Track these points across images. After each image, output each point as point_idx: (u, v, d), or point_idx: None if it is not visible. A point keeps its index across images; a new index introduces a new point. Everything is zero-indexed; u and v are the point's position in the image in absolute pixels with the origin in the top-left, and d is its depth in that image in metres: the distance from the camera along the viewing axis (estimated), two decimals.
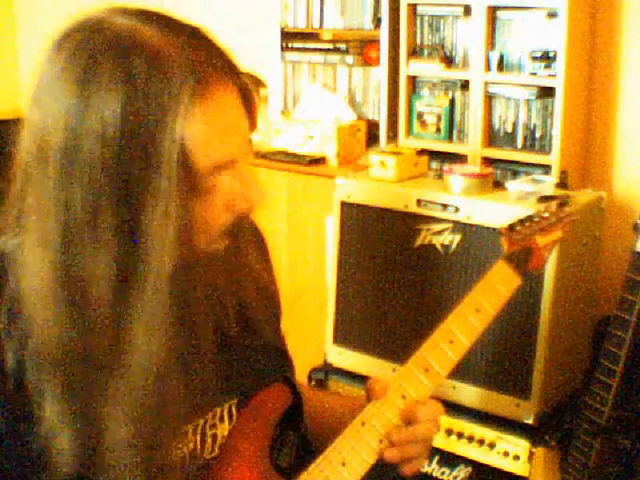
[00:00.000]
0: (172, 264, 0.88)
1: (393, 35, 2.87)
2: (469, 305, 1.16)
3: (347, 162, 3.00)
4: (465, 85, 2.71)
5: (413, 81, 2.84)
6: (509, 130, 2.65)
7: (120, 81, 0.85)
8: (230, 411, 1.06)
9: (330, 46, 3.21)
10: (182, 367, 0.93)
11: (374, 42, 3.01)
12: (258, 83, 3.09)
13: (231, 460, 1.04)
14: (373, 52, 3.06)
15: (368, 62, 3.12)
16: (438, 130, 2.79)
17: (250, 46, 3.35)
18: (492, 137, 2.69)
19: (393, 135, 2.91)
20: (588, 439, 1.93)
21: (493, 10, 2.60)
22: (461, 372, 2.19)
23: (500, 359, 2.18)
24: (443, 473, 2.27)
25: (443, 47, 2.75)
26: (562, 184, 2.37)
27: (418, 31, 2.80)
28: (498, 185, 2.33)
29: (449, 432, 2.24)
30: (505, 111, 2.65)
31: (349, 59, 3.15)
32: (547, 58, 2.49)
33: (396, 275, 2.35)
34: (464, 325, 1.14)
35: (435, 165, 2.72)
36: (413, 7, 2.78)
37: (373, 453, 1.07)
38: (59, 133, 0.86)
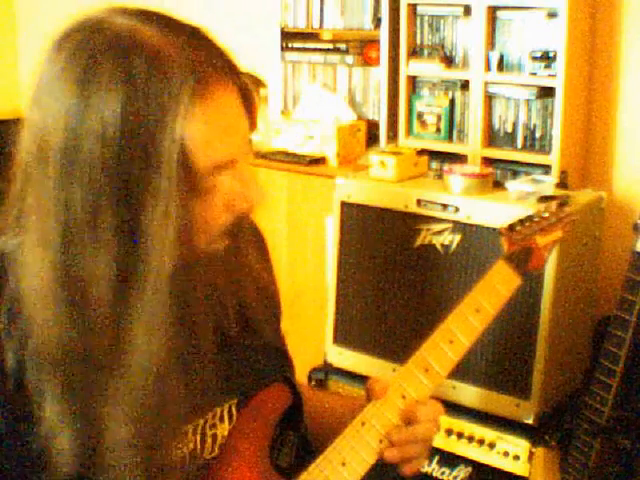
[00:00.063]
0: (172, 264, 0.88)
1: (393, 35, 2.87)
2: (469, 305, 1.16)
3: (347, 162, 3.00)
4: (465, 85, 2.71)
5: (413, 81, 2.84)
6: (509, 130, 2.65)
7: (120, 81, 0.85)
8: (230, 411, 1.06)
9: (330, 46, 3.21)
10: (182, 367, 0.93)
11: (374, 42, 3.01)
12: (258, 83, 3.09)
13: (231, 460, 1.04)
14: (373, 52, 3.06)
15: (368, 62, 3.12)
16: (438, 130, 2.79)
17: (250, 46, 3.35)
18: (492, 137, 2.69)
19: (393, 135, 2.91)
20: (588, 439, 1.93)
21: (493, 10, 2.60)
22: (461, 372, 2.19)
23: (500, 359, 2.18)
24: (443, 473, 2.27)
25: (443, 47, 2.75)
26: (562, 184, 2.37)
27: (418, 31, 2.80)
28: (498, 185, 2.33)
29: (449, 432, 2.24)
30: (505, 111, 2.65)
31: (349, 59, 3.15)
32: (547, 58, 2.49)
33: (396, 275, 2.35)
34: (464, 325, 1.14)
35: (435, 165, 2.72)
36: (413, 7, 2.78)
37: (373, 453, 1.07)
38: (59, 133, 0.86)
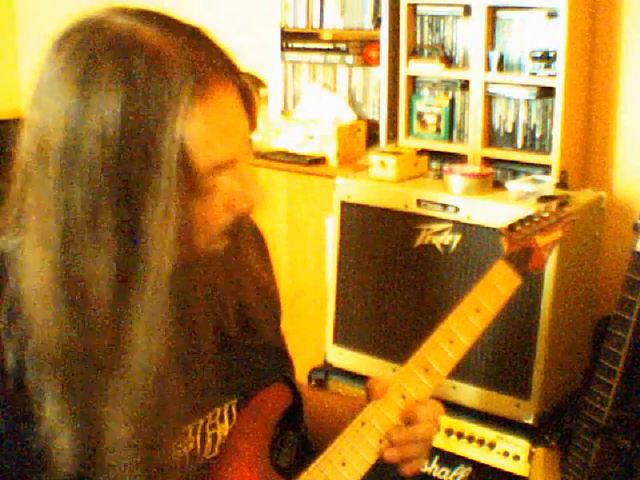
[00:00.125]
0: (172, 264, 0.88)
1: (393, 35, 2.87)
2: (469, 305, 1.16)
3: (347, 162, 3.00)
4: (465, 85, 2.71)
5: (413, 81, 2.84)
6: (509, 130, 2.65)
7: (120, 81, 0.85)
8: (230, 411, 1.06)
9: (330, 46, 3.21)
10: (182, 367, 0.93)
11: (374, 42, 3.01)
12: (258, 83, 3.08)
13: (231, 460, 1.04)
14: (373, 52, 3.06)
15: (368, 62, 3.12)
16: (438, 130, 2.79)
17: (250, 46, 3.35)
18: (492, 137, 2.69)
19: (393, 135, 2.91)
20: (588, 439, 1.93)
21: (493, 10, 2.60)
22: (461, 372, 2.19)
23: (500, 359, 2.18)
24: (443, 473, 2.27)
25: (443, 47, 2.75)
26: (562, 184, 2.37)
27: (418, 31, 2.80)
28: (498, 185, 2.33)
29: (449, 432, 2.24)
30: (505, 111, 2.65)
31: (349, 59, 3.15)
32: (547, 58, 2.49)
33: (396, 275, 2.35)
34: (464, 325, 1.14)
35: (435, 165, 2.72)
36: (413, 7, 2.78)
37: (373, 453, 1.07)
38: (59, 133, 0.86)
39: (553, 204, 1.36)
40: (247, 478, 1.03)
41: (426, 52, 2.77)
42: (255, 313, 1.10)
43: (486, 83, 2.63)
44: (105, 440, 0.90)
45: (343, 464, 1.05)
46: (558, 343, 2.17)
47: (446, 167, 2.38)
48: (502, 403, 2.18)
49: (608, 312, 1.99)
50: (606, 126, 2.63)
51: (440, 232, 2.26)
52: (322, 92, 3.21)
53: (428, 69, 2.76)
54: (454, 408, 2.19)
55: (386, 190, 2.37)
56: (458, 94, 2.75)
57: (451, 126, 2.78)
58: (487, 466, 2.20)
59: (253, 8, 3.45)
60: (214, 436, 1.04)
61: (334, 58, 3.19)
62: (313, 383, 2.51)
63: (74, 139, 0.85)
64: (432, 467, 2.28)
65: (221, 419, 1.05)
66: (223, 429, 1.05)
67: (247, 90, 0.95)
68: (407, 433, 1.08)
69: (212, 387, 1.00)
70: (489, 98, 2.66)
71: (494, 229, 2.11)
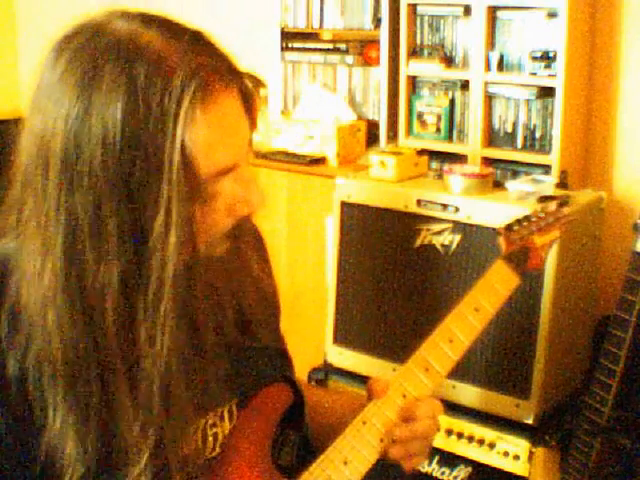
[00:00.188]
0: (175, 268, 0.88)
1: (393, 35, 2.87)
2: (468, 304, 1.16)
3: (347, 162, 3.00)
4: (465, 85, 2.71)
5: (413, 81, 2.84)
6: (509, 130, 2.65)
7: (121, 85, 0.84)
8: (231, 410, 1.06)
9: (330, 46, 3.21)
10: (185, 368, 0.93)
11: (374, 42, 3.01)
12: (258, 83, 3.08)
13: (232, 459, 1.04)
14: (373, 52, 3.06)
15: (368, 62, 3.12)
16: (438, 130, 2.79)
17: (250, 46, 3.36)
18: (492, 137, 2.69)
19: (393, 135, 2.91)
20: (588, 439, 1.93)
21: (493, 10, 2.60)
22: (461, 372, 2.19)
23: (500, 359, 2.18)
24: (443, 473, 2.27)
25: (443, 47, 2.75)
26: (562, 184, 2.37)
27: (418, 31, 2.81)
28: (498, 185, 2.33)
29: (449, 432, 2.24)
30: (505, 111, 2.65)
31: (349, 59, 3.15)
32: (547, 58, 2.49)
33: (396, 275, 2.35)
34: (463, 324, 1.15)
35: (435, 165, 2.72)
36: (413, 7, 2.78)
37: (374, 452, 1.07)
38: (59, 138, 0.86)
39: (552, 204, 1.37)
40: (248, 477, 1.03)
41: (426, 52, 2.77)
42: (254, 314, 1.10)
43: (486, 83, 2.63)
44: (112, 443, 0.90)
45: (345, 463, 1.06)
46: (558, 343, 2.17)
47: (446, 167, 2.38)
48: (502, 403, 2.18)
49: (608, 312, 1.99)
50: (606, 126, 2.63)
51: (440, 232, 2.26)
52: (322, 92, 3.21)
53: (428, 69, 2.77)
54: (454, 408, 2.19)
55: (386, 190, 2.37)
56: (458, 94, 2.75)
57: (451, 126, 2.78)
58: (487, 466, 2.20)
59: (253, 8, 3.45)
60: (215, 435, 1.04)
61: (334, 58, 3.19)
62: (313, 383, 2.51)
63: (75, 144, 0.85)
64: (432, 467, 2.28)
65: (222, 418, 1.05)
66: (224, 428, 1.05)
67: (248, 92, 0.95)
68: (407, 430, 1.08)
69: (213, 387, 1.00)
70: (489, 98, 2.66)
71: (494, 229, 2.10)
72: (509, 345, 2.16)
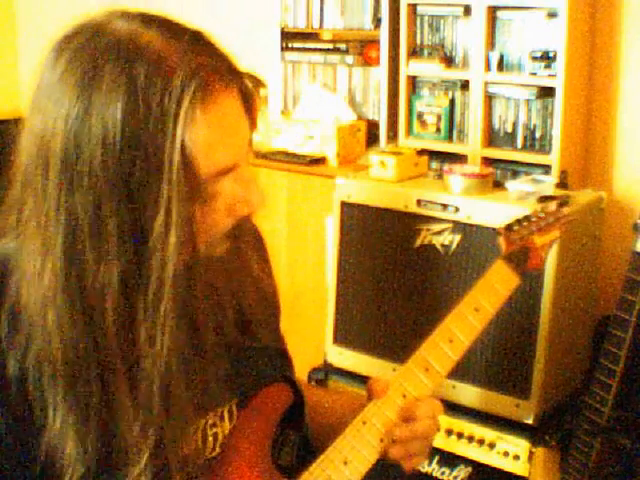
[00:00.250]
0: (174, 269, 0.88)
1: (393, 35, 2.87)
2: (468, 304, 1.16)
3: (347, 162, 3.00)
4: (465, 85, 2.71)
5: (413, 81, 2.84)
6: (509, 130, 2.65)
7: (121, 86, 0.84)
8: (231, 410, 1.06)
9: (330, 46, 3.21)
10: (185, 368, 0.93)
11: (374, 42, 3.01)
12: (258, 83, 3.08)
13: (232, 459, 1.04)
14: (373, 52, 3.06)
15: (368, 62, 3.12)
16: (438, 130, 2.79)
17: (250, 46, 3.36)
18: (492, 137, 2.69)
19: (393, 135, 2.91)
20: (588, 439, 1.93)
21: (493, 10, 2.60)
22: (461, 372, 2.19)
23: (500, 359, 2.18)
24: (443, 473, 2.27)
25: (443, 47, 2.75)
26: (562, 184, 2.37)
27: (418, 31, 2.81)
28: (498, 185, 2.33)
29: (449, 432, 2.24)
30: (505, 111, 2.65)
31: (349, 59, 3.15)
32: (547, 58, 2.49)
33: (396, 275, 2.35)
34: (463, 324, 1.15)
35: (435, 165, 2.72)
36: (413, 7, 2.78)
37: (374, 452, 1.07)
38: (59, 138, 0.85)
39: (552, 204, 1.37)
40: (248, 477, 1.03)
41: (426, 52, 2.77)
42: (254, 314, 1.10)
43: (486, 83, 2.63)
44: (112, 443, 0.90)
45: (345, 463, 1.06)
46: (558, 343, 2.17)
47: (446, 167, 2.38)
48: (502, 403, 2.18)
49: (608, 312, 1.99)
50: (606, 126, 2.63)
51: (440, 232, 2.26)
52: (322, 92, 3.21)
53: (428, 69, 2.77)
54: (454, 408, 2.19)
55: (386, 190, 2.37)
56: (458, 94, 2.75)
57: (451, 126, 2.78)
58: (487, 466, 2.20)
59: (253, 8, 3.45)
60: (215, 435, 1.04)
61: (334, 58, 3.19)
62: (313, 383, 2.51)
63: (75, 144, 0.85)
64: (432, 467, 2.28)
65: (222, 418, 1.05)
66: (224, 428, 1.05)
67: (248, 92, 0.95)
68: (407, 430, 1.08)
69: (213, 387, 1.00)
70: (489, 98, 2.66)
71: (494, 229, 2.10)
72: (509, 345, 2.16)
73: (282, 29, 3.25)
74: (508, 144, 2.66)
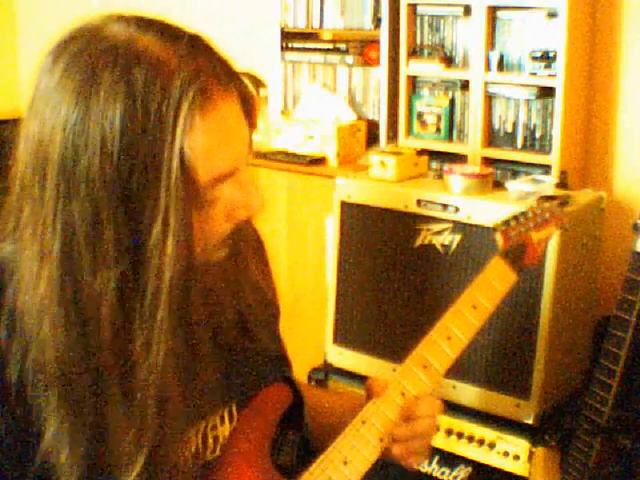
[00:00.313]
0: (172, 275, 0.87)
1: (393, 35, 2.87)
2: (466, 302, 1.17)
3: (347, 162, 3.00)
4: (465, 85, 2.71)
5: (413, 81, 2.84)
6: (509, 130, 2.65)
7: (119, 92, 0.83)
8: (231, 412, 1.06)
9: (330, 46, 3.21)
10: (183, 373, 0.93)
11: (374, 42, 3.01)
12: (258, 83, 3.09)
13: (232, 460, 1.04)
14: (373, 52, 3.06)
15: (368, 62, 3.12)
16: (438, 130, 2.79)
17: (250, 46, 3.36)
18: (492, 137, 2.69)
19: (393, 135, 2.91)
20: (588, 439, 1.93)
21: (493, 10, 2.60)
22: (461, 372, 2.19)
23: (500, 359, 2.18)
24: (443, 473, 2.27)
25: (443, 47, 2.75)
26: (562, 184, 2.37)
27: (418, 31, 2.81)
28: (498, 185, 2.33)
29: (449, 432, 2.24)
30: (505, 111, 2.65)
31: (349, 59, 3.15)
32: (547, 58, 2.49)
33: (396, 275, 2.35)
34: (461, 322, 1.15)
35: (435, 165, 2.72)
36: (413, 7, 2.78)
37: (374, 451, 1.07)
38: (57, 145, 0.85)
39: (553, 203, 1.37)
40: (248, 478, 1.03)
41: (426, 52, 2.77)
42: (254, 316, 1.10)
43: (486, 83, 2.63)
44: (109, 449, 0.90)
45: (345, 463, 1.06)
46: (558, 343, 2.17)
47: (446, 167, 2.38)
48: (502, 403, 2.18)
49: (608, 312, 1.99)
50: (606, 126, 2.63)
51: (440, 232, 2.26)
52: (322, 92, 3.21)
53: (428, 69, 2.77)
54: (454, 408, 2.19)
55: (386, 190, 2.37)
56: (458, 94, 2.75)
57: (451, 126, 2.78)
58: (487, 466, 2.20)
59: (253, 8, 3.45)
60: (215, 437, 1.04)
61: (334, 58, 3.19)
62: (313, 383, 2.51)
63: (72, 151, 0.84)
64: (432, 467, 2.28)
65: (222, 420, 1.05)
66: (224, 430, 1.05)
67: (247, 94, 0.94)
68: (407, 429, 1.08)
69: (212, 390, 1.00)
70: (489, 98, 2.66)
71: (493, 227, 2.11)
72: (509, 345, 2.16)
73: (282, 29, 3.25)
74: (508, 144, 2.66)
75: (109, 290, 0.86)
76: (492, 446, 2.18)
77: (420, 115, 2.81)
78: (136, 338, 0.87)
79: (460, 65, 2.75)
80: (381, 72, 2.95)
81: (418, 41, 2.81)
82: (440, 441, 2.23)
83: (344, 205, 2.43)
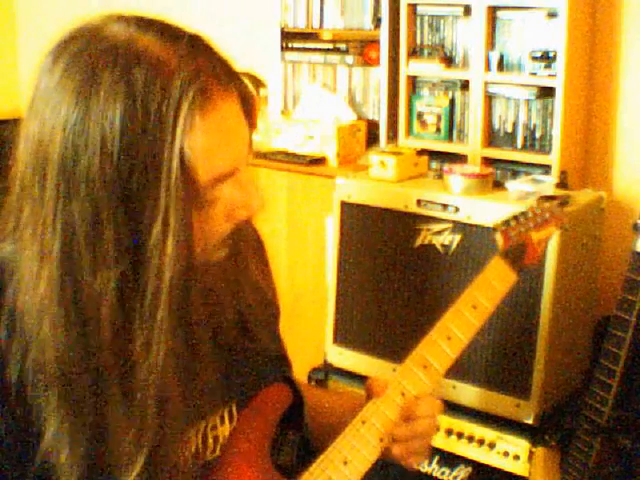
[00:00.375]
0: (172, 275, 0.87)
1: (393, 35, 2.87)
2: (466, 302, 1.17)
3: (347, 162, 3.00)
4: (465, 85, 2.71)
5: (413, 81, 2.84)
6: (509, 130, 2.65)
7: (119, 92, 0.83)
8: (231, 412, 1.06)
9: (330, 46, 3.21)
10: (183, 373, 0.93)
11: (374, 42, 3.01)
12: (258, 83, 3.09)
13: (232, 460, 1.04)
14: (373, 52, 3.06)
15: (368, 62, 3.12)
16: (438, 130, 2.79)
17: (250, 46, 3.36)
18: (492, 137, 2.69)
19: (393, 135, 2.91)
20: (588, 439, 1.93)
21: (493, 10, 2.60)
22: (461, 372, 2.19)
23: (500, 359, 2.18)
24: (443, 473, 2.27)
25: (443, 47, 2.75)
26: (562, 184, 2.37)
27: (418, 31, 2.81)
28: (498, 185, 2.33)
29: (449, 432, 2.24)
30: (505, 111, 2.65)
31: (349, 59, 3.15)
32: (547, 58, 2.49)
33: (396, 275, 2.35)
34: (461, 322, 1.15)
35: (435, 165, 2.72)
36: (413, 7, 2.78)
37: (374, 451, 1.07)
38: (57, 145, 0.85)
39: (553, 203, 1.37)
40: (248, 478, 1.04)
41: (426, 52, 2.77)
42: (254, 316, 1.10)
43: (486, 83, 2.63)
44: (109, 449, 0.90)
45: (345, 463, 1.06)
46: (558, 343, 2.17)
47: (446, 167, 2.38)
48: (502, 403, 2.18)
49: (608, 312, 1.99)
50: (606, 126, 2.63)
51: (440, 232, 2.26)
52: (322, 92, 3.21)
53: (428, 69, 2.77)
54: (454, 408, 2.19)
55: (386, 190, 2.37)
56: (458, 94, 2.75)
57: (451, 126, 2.78)
58: (487, 466, 2.20)
59: (253, 8, 3.45)
60: (215, 437, 1.04)
61: (334, 58, 3.19)
62: (313, 383, 2.51)
63: (72, 151, 0.84)
64: (432, 467, 2.28)
65: (222, 420, 1.05)
66: (224, 430, 1.05)
67: (247, 94, 0.94)
68: (407, 429, 1.08)
69: (212, 390, 1.00)
70: (489, 98, 2.66)
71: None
72: (509, 345, 2.16)
73: (282, 29, 3.25)
74: (508, 144, 2.66)
75: (109, 290, 0.86)
76: (492, 446, 2.18)
77: (420, 115, 2.81)
78: (136, 338, 0.87)
79: (460, 65, 2.75)
80: (381, 72, 2.95)
81: (418, 41, 2.81)
82: (440, 441, 2.23)
83: (344, 205, 2.43)
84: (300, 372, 1.26)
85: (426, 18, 2.79)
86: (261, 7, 3.39)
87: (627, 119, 2.60)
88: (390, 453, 1.09)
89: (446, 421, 2.23)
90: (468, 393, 2.22)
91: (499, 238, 1.25)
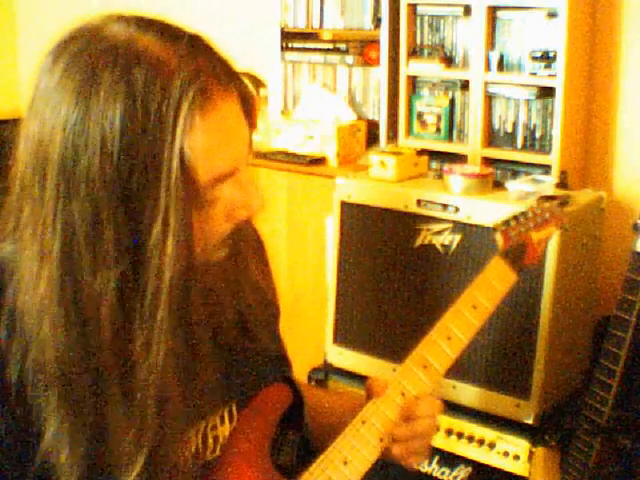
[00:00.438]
0: (172, 275, 0.87)
1: (393, 35, 2.87)
2: (466, 302, 1.17)
3: (347, 162, 3.00)
4: (465, 85, 2.71)
5: (413, 81, 2.84)
6: (509, 130, 2.65)
7: (119, 92, 0.83)
8: (231, 412, 1.06)
9: (330, 46, 3.21)
10: (183, 373, 0.93)
11: (374, 42, 3.01)
12: (258, 83, 3.09)
13: (232, 460, 1.04)
14: (373, 52, 3.06)
15: (368, 62, 3.12)
16: (438, 130, 2.79)
17: (250, 46, 3.36)
18: (492, 137, 2.69)
19: (393, 135, 2.91)
20: (588, 439, 1.93)
21: (493, 10, 2.60)
22: (461, 372, 2.19)
23: (500, 359, 2.18)
24: (443, 473, 2.27)
25: (443, 47, 2.75)
26: (562, 184, 2.37)
27: (418, 31, 2.81)
28: (498, 185, 2.33)
29: (449, 432, 2.24)
30: (505, 111, 2.65)
31: (349, 59, 3.15)
32: (547, 58, 2.49)
33: (396, 275, 2.35)
34: (461, 322, 1.15)
35: (435, 165, 2.72)
36: (413, 7, 2.79)
37: (374, 451, 1.07)
38: (57, 145, 0.85)
39: (553, 204, 1.37)
40: (248, 478, 1.04)
41: (426, 52, 2.77)
42: (253, 316, 1.10)
43: (486, 83, 2.63)
44: (109, 449, 0.90)
45: (345, 463, 1.06)
46: (558, 343, 2.17)
47: (446, 167, 2.38)
48: (502, 403, 2.18)
49: (608, 312, 1.99)
50: (606, 126, 2.63)
51: (440, 232, 2.26)
52: (322, 92, 3.21)
53: (428, 69, 2.77)
54: (454, 408, 2.19)
55: (386, 190, 2.37)
56: (458, 94, 2.75)
57: (451, 126, 2.78)
58: (487, 466, 2.20)
59: (253, 8, 3.45)
60: (215, 437, 1.04)
61: (334, 58, 3.19)
62: (313, 383, 2.51)
63: (72, 151, 0.84)
64: (432, 467, 2.28)
65: (222, 420, 1.05)
66: (224, 430, 1.05)
67: (247, 94, 0.94)
68: (407, 429, 1.08)
69: (212, 390, 1.00)
70: (489, 98, 2.66)
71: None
72: (509, 345, 2.16)
73: (282, 29, 3.25)
74: (508, 144, 2.66)
75: (109, 290, 0.86)
76: (492, 446, 2.18)
77: (420, 115, 2.81)
78: (136, 338, 0.87)
79: (460, 65, 2.75)
80: (381, 72, 2.95)
81: (418, 41, 2.81)
82: (440, 441, 2.23)
83: (344, 205, 2.43)
84: (300, 372, 1.26)
85: (426, 18, 2.79)
86: (261, 7, 3.39)
87: (627, 119, 2.60)
88: (390, 453, 1.09)
89: (446, 421, 2.23)
90: (468, 393, 2.22)
91: (499, 238, 1.25)
